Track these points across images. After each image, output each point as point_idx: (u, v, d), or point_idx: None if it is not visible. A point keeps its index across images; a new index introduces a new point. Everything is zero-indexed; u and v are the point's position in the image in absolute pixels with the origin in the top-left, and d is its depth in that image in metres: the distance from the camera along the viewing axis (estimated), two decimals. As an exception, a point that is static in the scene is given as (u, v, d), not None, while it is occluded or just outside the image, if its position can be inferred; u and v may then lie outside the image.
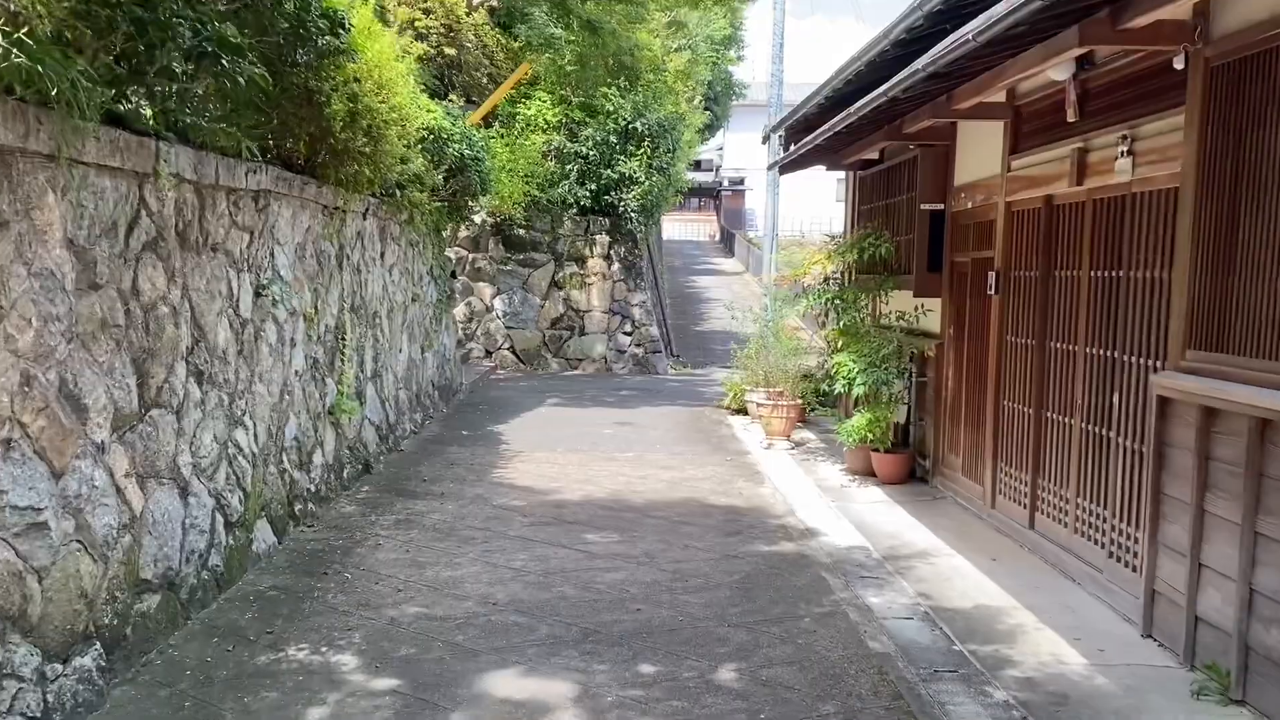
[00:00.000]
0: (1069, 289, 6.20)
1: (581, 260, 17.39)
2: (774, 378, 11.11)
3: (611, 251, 17.45)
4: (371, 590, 5.49)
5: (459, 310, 16.60)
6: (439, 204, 11.10)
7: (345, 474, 7.84)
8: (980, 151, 7.59)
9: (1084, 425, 5.95)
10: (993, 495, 7.20)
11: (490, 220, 16.94)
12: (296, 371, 6.96)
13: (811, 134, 8.74)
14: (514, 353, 17.22)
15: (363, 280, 8.80)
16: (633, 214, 17.12)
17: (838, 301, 8.96)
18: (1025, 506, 6.69)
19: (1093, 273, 5.88)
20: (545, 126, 16.76)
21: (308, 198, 7.05)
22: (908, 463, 8.53)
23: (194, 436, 5.23)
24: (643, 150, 16.84)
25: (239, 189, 5.76)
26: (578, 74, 15.30)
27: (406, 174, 8.65)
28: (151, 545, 4.66)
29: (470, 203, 12.50)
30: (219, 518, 5.46)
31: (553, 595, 5.47)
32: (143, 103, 4.46)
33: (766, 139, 12.76)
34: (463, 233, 16.82)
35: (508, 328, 17.20)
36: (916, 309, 8.38)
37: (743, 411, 12.33)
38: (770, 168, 13.01)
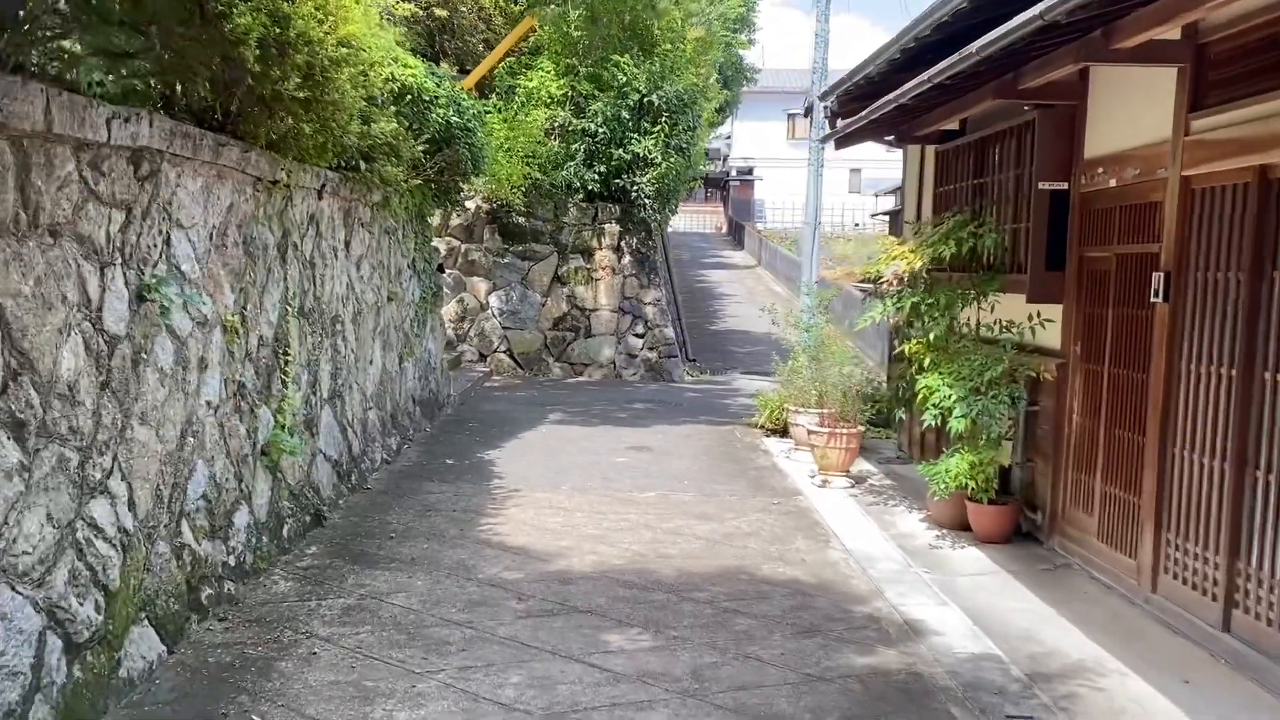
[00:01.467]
0: (1304, 299, 4.33)
1: (588, 252, 15.44)
2: (828, 397, 9.19)
3: (622, 243, 15.50)
4: (286, 751, 3.63)
5: (449, 309, 14.71)
6: (421, 183, 9.21)
7: (285, 532, 5.96)
8: (1132, 110, 5.71)
9: (1334, 498, 4.09)
10: (1154, 575, 5.33)
11: (485, 206, 15.05)
12: (209, 403, 5.08)
13: (887, 98, 6.85)
14: (511, 356, 15.31)
15: (318, 276, 6.91)
16: (647, 200, 15.11)
17: (927, 307, 6.99)
18: (1215, 599, 4.82)
19: (1356, 276, 4.01)
20: (549, 101, 14.78)
21: (228, 165, 5.17)
22: (1014, 516, 6.64)
23: (4, 523, 3.36)
24: (659, 127, 14.78)
25: (99, 144, 3.88)
26: (588, 34, 13.28)
27: (371, 139, 6.73)
28: (-109, 727, 2.80)
29: (461, 184, 10.61)
30: (53, 643, 3.58)
31: (561, 763, 3.60)
32: None
33: (809, 111, 10.86)
34: (454, 220, 14.96)
35: (505, 328, 15.30)
36: (1032, 318, 6.48)
37: (778, 432, 10.47)
38: (824, 140, 11.04)
